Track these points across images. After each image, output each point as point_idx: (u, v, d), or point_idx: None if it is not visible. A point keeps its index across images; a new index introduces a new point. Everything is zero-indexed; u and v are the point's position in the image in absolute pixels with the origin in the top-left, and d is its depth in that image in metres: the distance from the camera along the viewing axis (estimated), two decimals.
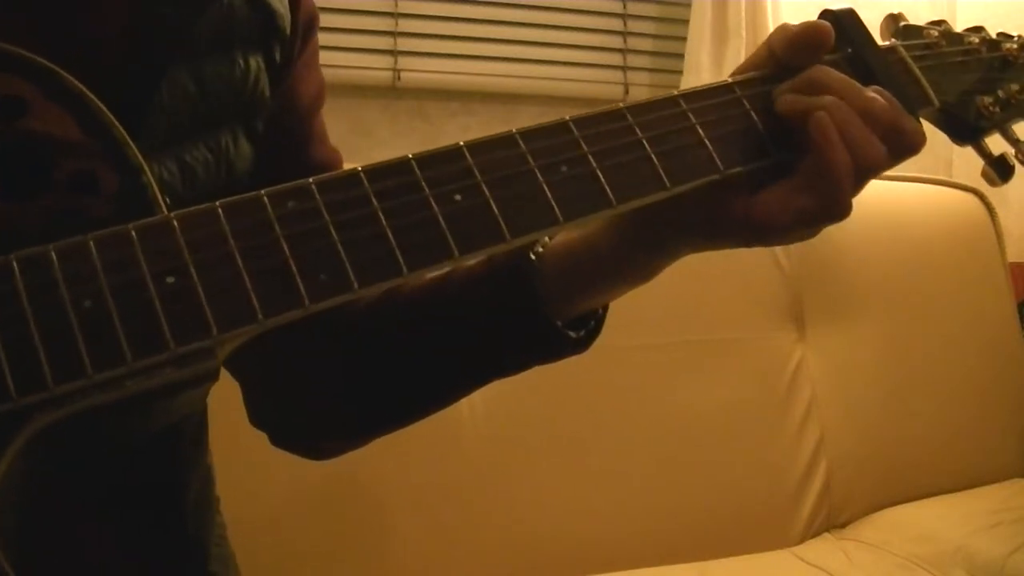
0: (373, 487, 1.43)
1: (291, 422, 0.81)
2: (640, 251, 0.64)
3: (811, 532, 1.66)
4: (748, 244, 0.61)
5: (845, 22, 0.65)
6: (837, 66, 0.63)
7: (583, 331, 0.69)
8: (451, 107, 2.25)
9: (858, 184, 0.58)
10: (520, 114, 2.28)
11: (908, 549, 1.55)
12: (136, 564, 0.69)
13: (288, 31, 0.74)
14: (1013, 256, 1.97)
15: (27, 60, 0.50)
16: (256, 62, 0.71)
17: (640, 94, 2.40)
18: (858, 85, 0.59)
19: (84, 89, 0.50)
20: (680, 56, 2.32)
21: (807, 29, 0.61)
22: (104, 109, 0.50)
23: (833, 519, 1.69)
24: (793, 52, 0.61)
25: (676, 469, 1.59)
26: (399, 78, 2.19)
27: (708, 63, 2.26)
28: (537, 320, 0.66)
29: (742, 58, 2.25)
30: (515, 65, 2.28)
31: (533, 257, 0.67)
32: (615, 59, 2.40)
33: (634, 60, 2.41)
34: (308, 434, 0.81)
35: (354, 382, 0.76)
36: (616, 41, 2.40)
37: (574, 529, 1.52)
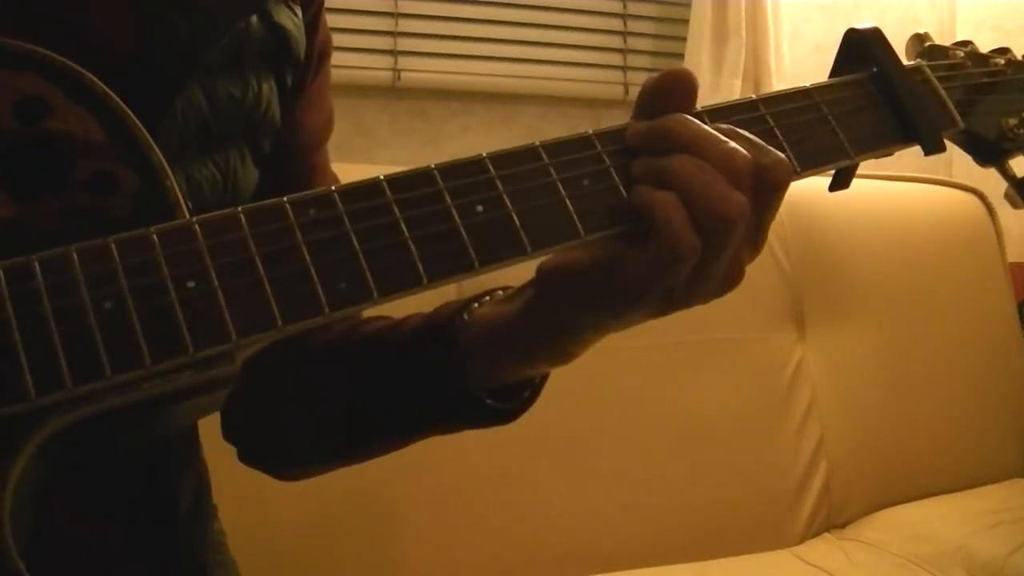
0: (374, 489, 1.42)
1: (252, 443, 0.80)
2: (550, 332, 0.60)
3: (811, 532, 1.66)
4: (660, 311, 0.56)
5: (871, 41, 0.64)
6: (862, 85, 0.63)
7: (514, 401, 0.67)
8: (451, 107, 2.24)
9: (714, 245, 0.52)
10: (520, 114, 2.28)
11: (908, 549, 1.55)
12: (138, 572, 0.69)
13: (302, 56, 0.74)
14: (1013, 256, 1.98)
15: (49, 60, 0.50)
16: (268, 85, 0.71)
17: None
18: (714, 136, 0.53)
19: (108, 90, 0.50)
20: (680, 56, 2.33)
21: (663, 76, 0.56)
22: (128, 111, 0.50)
23: (833, 519, 1.69)
24: (658, 100, 0.56)
25: (676, 469, 1.59)
26: (399, 78, 2.18)
27: (708, 63, 2.26)
28: (456, 384, 0.65)
29: (742, 58, 2.27)
30: (515, 65, 2.28)
31: (465, 317, 0.65)
32: (615, 59, 2.40)
33: (634, 60, 2.41)
34: (266, 456, 0.80)
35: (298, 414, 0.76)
36: (616, 41, 2.40)
37: (574, 529, 1.52)
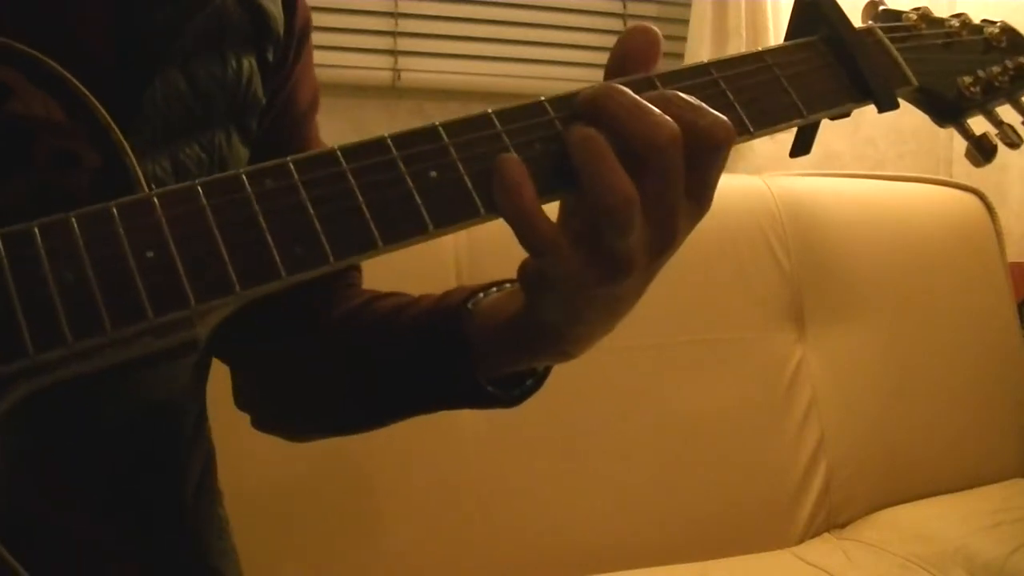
0: (373, 486, 1.43)
1: (266, 413, 0.84)
2: (541, 331, 0.61)
3: (811, 532, 1.66)
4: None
5: (823, 5, 0.65)
6: (814, 47, 0.64)
7: (517, 390, 0.68)
8: (451, 107, 2.24)
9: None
10: None
11: (908, 549, 1.55)
12: (139, 559, 0.69)
13: (281, 32, 0.75)
14: (1013, 256, 1.97)
15: (10, 47, 0.51)
16: (249, 63, 0.72)
17: None
18: (645, 107, 0.52)
19: (66, 74, 0.51)
20: (680, 56, 2.32)
21: (621, 41, 0.57)
22: (86, 92, 0.51)
23: (833, 519, 1.69)
24: (629, 54, 0.57)
25: (676, 469, 1.59)
26: (399, 78, 2.18)
27: None
28: (462, 369, 0.66)
29: None
30: (515, 65, 2.28)
31: (470, 307, 0.67)
32: None
33: None
34: (280, 422, 0.84)
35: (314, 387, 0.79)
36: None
37: (574, 529, 1.52)
